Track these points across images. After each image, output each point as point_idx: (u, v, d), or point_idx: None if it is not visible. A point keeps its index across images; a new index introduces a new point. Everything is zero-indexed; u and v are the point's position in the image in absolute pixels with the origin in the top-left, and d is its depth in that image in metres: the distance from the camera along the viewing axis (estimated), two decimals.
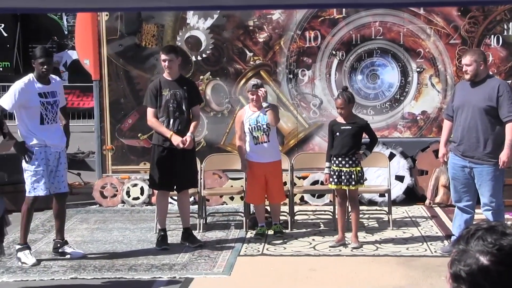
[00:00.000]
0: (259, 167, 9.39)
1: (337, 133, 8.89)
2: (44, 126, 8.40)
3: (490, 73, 8.74)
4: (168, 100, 8.89)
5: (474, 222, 7.80)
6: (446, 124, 8.51)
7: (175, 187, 9.24)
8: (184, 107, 8.94)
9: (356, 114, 9.56)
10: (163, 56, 8.93)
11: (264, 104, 9.16)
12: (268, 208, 9.76)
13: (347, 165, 8.81)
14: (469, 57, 8.12)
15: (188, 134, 8.85)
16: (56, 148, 8.51)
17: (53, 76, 8.77)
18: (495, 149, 7.96)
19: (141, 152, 11.17)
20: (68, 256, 8.60)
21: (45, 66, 8.42)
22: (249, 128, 9.35)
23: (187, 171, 9.08)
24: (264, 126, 9.29)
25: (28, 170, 8.39)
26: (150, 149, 9.40)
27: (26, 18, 23.16)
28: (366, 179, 9.29)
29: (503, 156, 7.90)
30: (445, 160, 8.48)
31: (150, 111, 9.02)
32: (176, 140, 8.72)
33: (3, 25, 23.01)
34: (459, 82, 9.02)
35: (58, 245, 8.69)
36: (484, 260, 1.82)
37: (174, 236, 9.45)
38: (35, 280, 7.94)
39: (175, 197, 9.79)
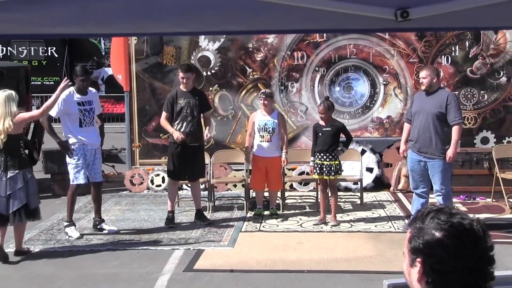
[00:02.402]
0: (262, 160, 9.38)
1: (320, 134, 8.89)
2: (82, 128, 8.41)
3: (442, 85, 8.73)
4: (183, 107, 8.89)
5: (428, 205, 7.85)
6: (406, 127, 8.51)
7: (186, 177, 9.24)
8: (195, 113, 8.93)
9: (335, 118, 9.55)
10: (181, 74, 8.92)
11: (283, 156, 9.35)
12: (266, 194, 9.76)
13: (327, 159, 8.80)
14: (425, 72, 8.13)
15: (206, 132, 8.95)
16: (92, 146, 8.52)
17: (90, 88, 8.77)
18: (444, 146, 7.96)
19: (162, 148, 11.17)
20: (105, 231, 8.62)
21: (84, 81, 8.50)
22: (258, 128, 9.34)
23: (197, 164, 9.06)
24: (270, 129, 9.28)
25: (70, 163, 8.42)
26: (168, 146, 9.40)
27: (72, 42, 23.18)
28: (343, 170, 9.27)
29: (449, 153, 7.90)
30: (405, 155, 8.48)
31: (163, 114, 9.08)
32: (176, 135, 8.78)
33: (54, 48, 23.02)
34: (417, 92, 9.01)
35: (97, 222, 8.71)
36: (439, 235, 1.82)
37: (189, 216, 9.45)
38: (79, 249, 7.97)
39: (189, 185, 9.80)
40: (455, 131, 7.94)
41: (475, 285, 1.82)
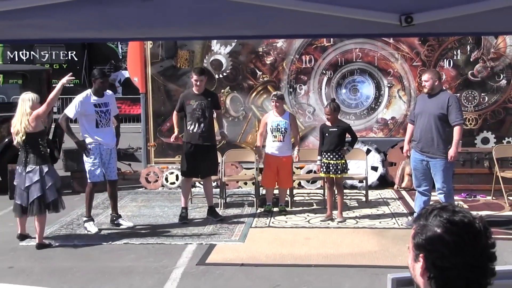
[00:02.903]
0: (273, 159, 9.38)
1: (326, 134, 8.87)
2: (99, 129, 8.43)
3: (444, 88, 8.70)
4: (195, 109, 8.90)
5: (430, 203, 7.86)
6: (409, 127, 8.48)
7: (200, 175, 9.24)
8: (207, 114, 8.93)
9: (341, 119, 9.53)
10: (195, 77, 8.91)
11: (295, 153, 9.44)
12: (276, 191, 9.76)
13: (334, 159, 8.79)
14: (427, 75, 8.10)
15: (222, 130, 9.15)
16: (108, 146, 8.54)
17: (106, 90, 8.80)
18: (445, 146, 7.93)
19: (176, 148, 11.15)
20: (122, 226, 8.64)
21: (102, 84, 8.53)
22: (270, 128, 9.36)
23: (209, 163, 9.06)
24: (283, 129, 9.30)
25: (87, 162, 8.45)
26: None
27: (91, 46, 23.27)
28: (349, 169, 9.26)
29: (451, 152, 7.88)
30: (408, 155, 8.46)
31: (174, 113, 9.24)
32: (172, 138, 9.13)
33: (74, 52, 23.13)
34: (420, 94, 8.98)
35: (114, 218, 8.74)
36: (441, 232, 1.82)
37: (202, 212, 9.46)
38: (97, 243, 8.00)
39: (202, 182, 9.81)
40: (456, 131, 7.91)
41: (476, 281, 1.81)
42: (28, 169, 7.67)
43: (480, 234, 1.82)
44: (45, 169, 7.72)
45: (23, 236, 8.04)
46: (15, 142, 7.86)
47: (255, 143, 10.12)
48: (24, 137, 7.64)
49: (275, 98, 9.33)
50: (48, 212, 7.82)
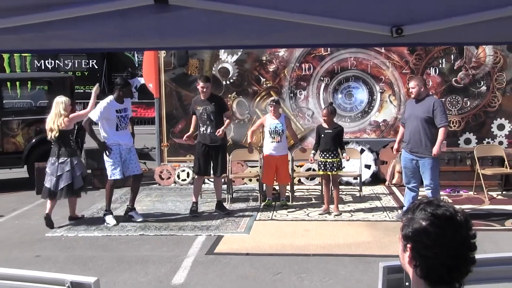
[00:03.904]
0: (272, 159, 9.39)
1: (322, 135, 8.87)
2: (118, 131, 8.46)
3: (430, 93, 8.68)
4: (202, 113, 8.91)
5: (418, 198, 7.84)
6: (401, 129, 8.46)
7: (212, 172, 9.21)
8: (212, 117, 8.90)
9: (337, 121, 9.53)
10: (201, 84, 8.89)
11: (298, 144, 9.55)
12: (277, 187, 9.75)
13: (330, 157, 8.79)
14: (413, 82, 8.08)
15: (222, 128, 8.83)
16: (126, 145, 8.56)
17: None
18: (432, 146, 7.92)
19: (187, 147, 11.17)
20: (133, 219, 8.63)
21: (124, 92, 8.59)
22: (269, 130, 9.36)
23: (219, 161, 9.06)
24: (280, 131, 9.30)
25: (108, 161, 8.47)
26: (194, 146, 9.39)
27: (109, 56, 23.29)
28: (344, 167, 9.26)
29: (434, 150, 7.85)
30: (398, 151, 8.41)
31: (193, 116, 9.13)
32: (184, 137, 9.02)
33: (95, 60, 23.15)
34: (408, 100, 8.96)
35: (128, 210, 8.77)
36: (425, 224, 1.82)
37: (210, 206, 9.46)
38: (115, 235, 8.01)
39: (212, 179, 9.81)
40: (441, 132, 7.90)
41: (457, 269, 1.81)
42: (60, 160, 8.29)
43: (461, 226, 1.82)
44: (75, 161, 8.37)
45: (48, 217, 8.37)
46: (49, 137, 8.38)
47: (259, 143, 10.15)
48: (57, 134, 8.25)
49: (273, 103, 9.37)
50: (75, 197, 8.51)
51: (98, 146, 8.59)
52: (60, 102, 8.33)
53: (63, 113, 8.26)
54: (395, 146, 8.49)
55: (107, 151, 8.40)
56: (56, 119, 8.24)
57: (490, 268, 3.20)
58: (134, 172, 8.65)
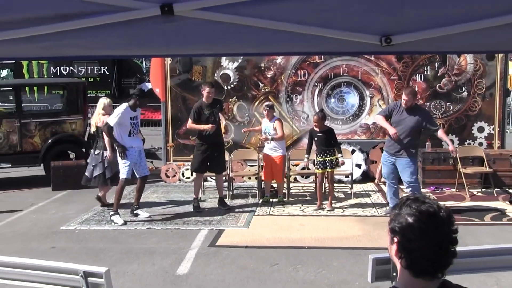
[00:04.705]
0: (268, 157, 9.44)
1: (315, 138, 8.91)
2: (131, 137, 8.39)
3: (417, 103, 8.67)
4: (209, 116, 8.88)
5: (400, 193, 7.86)
6: (383, 118, 8.24)
7: (213, 170, 9.20)
8: (216, 118, 8.95)
9: (330, 124, 9.52)
10: (207, 89, 8.88)
11: (269, 137, 9.29)
12: (275, 185, 9.77)
13: (328, 156, 8.82)
14: (408, 95, 8.05)
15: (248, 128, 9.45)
16: (138, 148, 8.52)
17: None
18: (411, 149, 8.01)
19: (191, 148, 11.14)
20: (139, 216, 8.55)
21: (140, 102, 8.48)
22: (263, 132, 9.48)
23: (219, 161, 9.07)
24: (271, 133, 9.30)
25: (121, 162, 8.41)
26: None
27: (120, 62, 23.24)
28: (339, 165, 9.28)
29: (450, 147, 8.26)
30: (398, 135, 8.04)
31: (189, 120, 9.06)
32: (208, 126, 8.77)
33: (106, 67, 23.11)
34: (397, 102, 8.85)
35: (134, 208, 8.66)
36: (410, 219, 1.82)
37: (212, 202, 9.45)
38: (124, 228, 8.01)
39: (214, 177, 9.80)
40: (442, 132, 8.26)
41: (438, 261, 1.81)
42: (96, 152, 8.99)
43: (443, 222, 1.82)
44: (106, 154, 8.82)
45: (99, 197, 9.18)
46: (91, 131, 9.30)
47: (258, 143, 10.16)
48: (95, 129, 9.04)
49: (267, 108, 9.49)
50: (110, 184, 9.05)
51: (117, 148, 8.47)
52: (101, 102, 8.99)
53: (101, 112, 8.91)
54: (391, 130, 8.06)
55: (124, 153, 8.33)
56: (96, 116, 9.02)
57: (470, 260, 3.21)
58: (144, 173, 8.60)
